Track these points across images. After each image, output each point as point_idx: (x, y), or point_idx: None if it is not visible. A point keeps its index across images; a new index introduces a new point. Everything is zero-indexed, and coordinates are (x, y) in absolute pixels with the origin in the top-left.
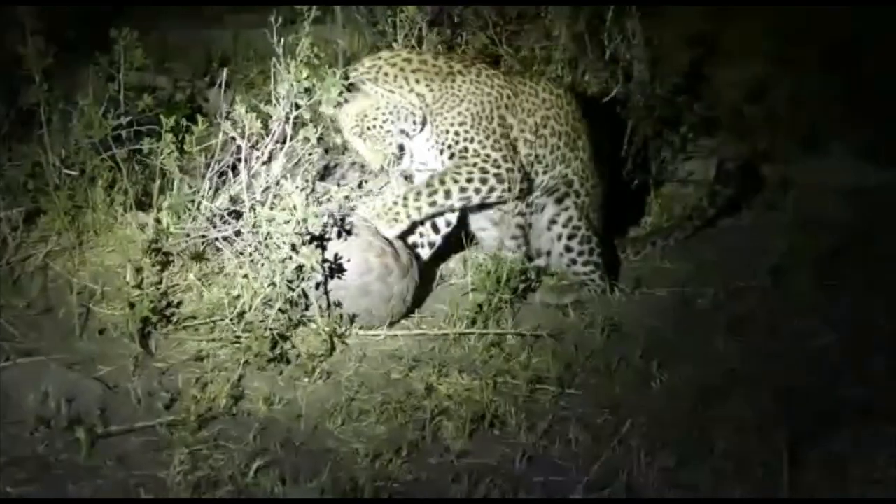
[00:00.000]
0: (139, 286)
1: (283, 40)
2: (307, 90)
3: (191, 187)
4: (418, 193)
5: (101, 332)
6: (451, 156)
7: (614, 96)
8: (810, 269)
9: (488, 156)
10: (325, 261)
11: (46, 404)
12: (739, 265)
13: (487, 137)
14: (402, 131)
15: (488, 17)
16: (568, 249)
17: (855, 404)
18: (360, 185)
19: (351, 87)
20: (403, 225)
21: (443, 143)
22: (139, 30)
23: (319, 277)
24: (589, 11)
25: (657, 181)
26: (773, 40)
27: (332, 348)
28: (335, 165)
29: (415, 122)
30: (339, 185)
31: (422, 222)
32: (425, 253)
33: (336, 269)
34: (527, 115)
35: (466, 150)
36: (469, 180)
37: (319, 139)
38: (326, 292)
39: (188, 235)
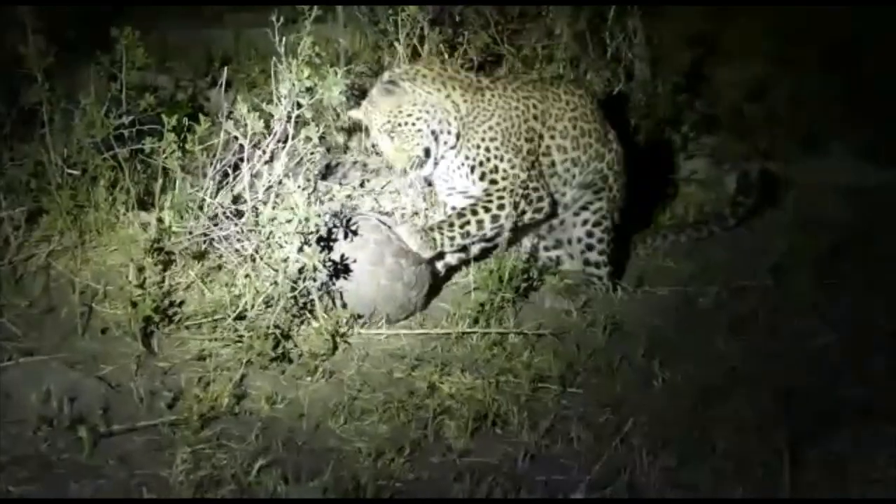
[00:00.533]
0: (141, 285)
1: (284, 39)
2: (309, 89)
3: (193, 187)
4: (451, 224)
5: (104, 331)
6: (482, 176)
7: (616, 95)
8: (811, 268)
9: (517, 177)
10: (330, 260)
11: (48, 403)
12: (741, 265)
13: (517, 155)
14: (433, 133)
15: (490, 16)
16: (589, 235)
17: (855, 404)
18: (361, 185)
19: (389, 87)
20: (437, 250)
21: (473, 160)
22: (140, 29)
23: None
24: (590, 10)
25: (674, 180)
26: (774, 40)
27: (335, 347)
28: (337, 164)
29: (449, 132)
30: (341, 184)
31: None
32: (441, 266)
33: (342, 269)
34: (555, 121)
35: (496, 169)
36: (500, 207)
37: (321, 138)
38: (330, 290)
39: (190, 234)
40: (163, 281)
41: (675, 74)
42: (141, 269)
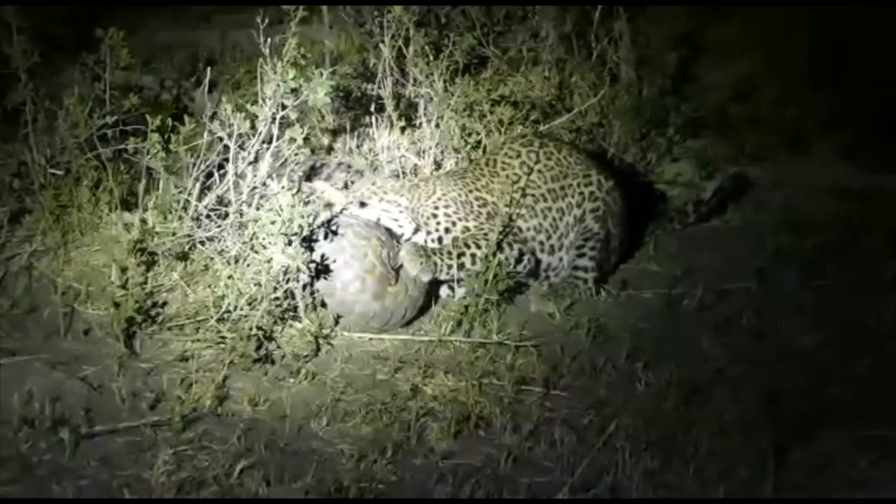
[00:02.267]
0: (124, 286)
1: (269, 40)
2: (293, 90)
3: (177, 187)
4: (450, 254)
5: (86, 332)
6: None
7: (601, 97)
8: (796, 270)
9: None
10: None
11: (31, 404)
12: (726, 267)
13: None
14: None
15: (475, 18)
16: (583, 245)
17: (840, 405)
18: (345, 186)
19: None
20: (435, 276)
21: (434, 231)
22: (125, 29)
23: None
24: (576, 12)
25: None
26: (760, 40)
27: (318, 349)
28: (322, 165)
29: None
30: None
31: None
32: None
33: (323, 270)
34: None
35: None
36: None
37: (306, 139)
38: (313, 292)
39: (174, 235)
40: (146, 282)
41: (660, 76)
42: (124, 270)
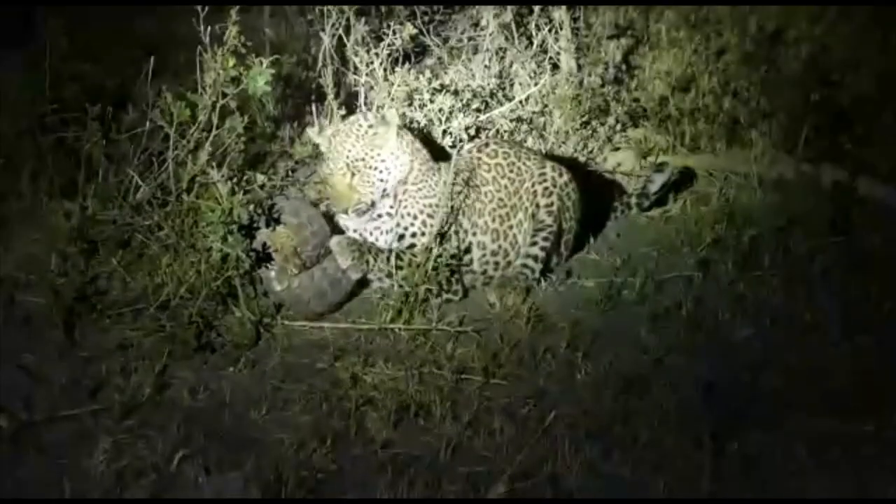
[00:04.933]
0: (64, 274)
1: (209, 29)
2: (234, 79)
3: (117, 175)
4: (388, 260)
5: (26, 320)
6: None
7: (542, 87)
8: (734, 260)
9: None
10: (254, 250)
11: None
12: (665, 257)
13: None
14: (385, 190)
15: (416, 7)
16: (535, 235)
17: (776, 396)
18: (286, 175)
19: (382, 125)
20: (364, 274)
21: (405, 229)
22: (66, 16)
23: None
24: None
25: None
26: (699, 32)
27: (258, 337)
28: (264, 154)
29: (394, 195)
30: (266, 174)
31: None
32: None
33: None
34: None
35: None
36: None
37: (247, 128)
38: (252, 281)
39: (114, 223)
40: (86, 270)
41: (601, 66)
42: (64, 258)
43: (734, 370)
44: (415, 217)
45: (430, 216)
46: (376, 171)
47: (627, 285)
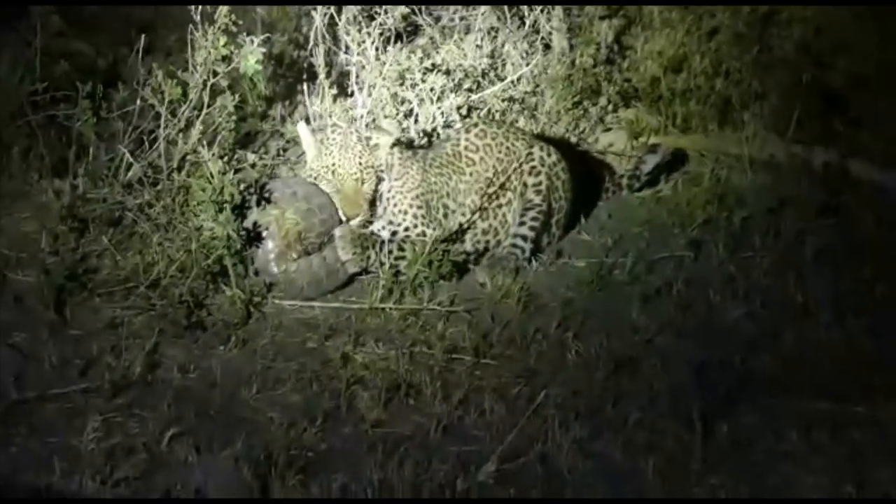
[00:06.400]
0: (55, 253)
1: (200, 8)
2: (225, 58)
3: (107, 154)
4: (390, 253)
5: (17, 299)
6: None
7: (534, 67)
8: (725, 241)
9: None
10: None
11: None
12: (656, 237)
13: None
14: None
15: None
16: (524, 214)
17: (766, 377)
18: (278, 154)
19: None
20: (362, 269)
21: (398, 226)
22: None
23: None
24: None
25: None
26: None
27: (248, 316)
28: (255, 133)
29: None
30: (257, 153)
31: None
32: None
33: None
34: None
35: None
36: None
37: (237, 107)
38: (243, 260)
39: (104, 202)
40: (76, 248)
41: (594, 46)
42: (55, 237)
43: (725, 351)
44: (405, 212)
45: (419, 207)
46: (377, 180)
47: (618, 266)
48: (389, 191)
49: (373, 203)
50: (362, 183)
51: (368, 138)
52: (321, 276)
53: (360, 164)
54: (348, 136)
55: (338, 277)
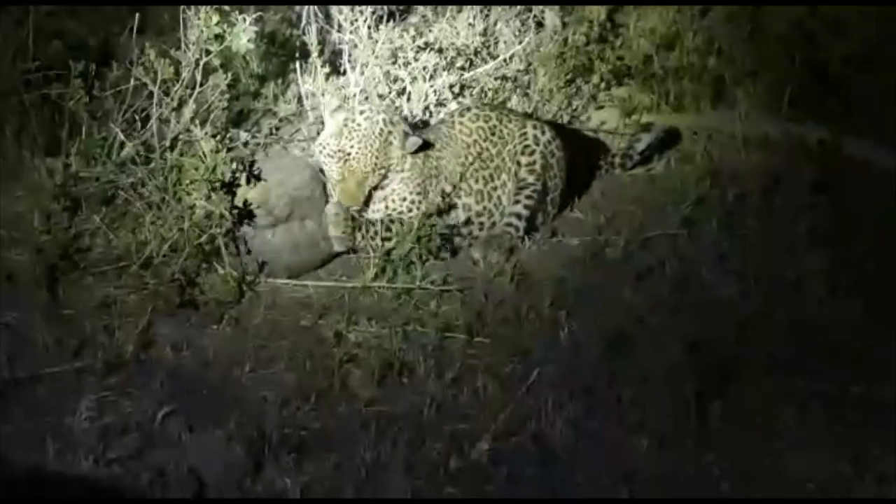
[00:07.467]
0: (47, 232)
1: None
2: (217, 36)
3: (100, 133)
4: (376, 235)
5: (9, 278)
6: None
7: (526, 45)
8: (719, 219)
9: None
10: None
11: None
12: (650, 215)
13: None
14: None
15: None
16: (519, 192)
17: (760, 356)
18: (271, 133)
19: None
20: (347, 249)
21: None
22: None
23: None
24: None
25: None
26: None
27: (241, 295)
28: (248, 111)
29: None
30: (250, 132)
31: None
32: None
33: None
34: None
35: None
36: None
37: (230, 86)
38: (235, 238)
39: (97, 180)
40: (69, 227)
41: (586, 24)
42: (47, 216)
43: (719, 329)
44: (404, 199)
45: (419, 194)
46: (384, 171)
47: (612, 244)
48: (392, 182)
49: (369, 198)
50: (367, 179)
51: (391, 133)
52: (300, 244)
53: (375, 163)
54: (374, 126)
55: (319, 250)
